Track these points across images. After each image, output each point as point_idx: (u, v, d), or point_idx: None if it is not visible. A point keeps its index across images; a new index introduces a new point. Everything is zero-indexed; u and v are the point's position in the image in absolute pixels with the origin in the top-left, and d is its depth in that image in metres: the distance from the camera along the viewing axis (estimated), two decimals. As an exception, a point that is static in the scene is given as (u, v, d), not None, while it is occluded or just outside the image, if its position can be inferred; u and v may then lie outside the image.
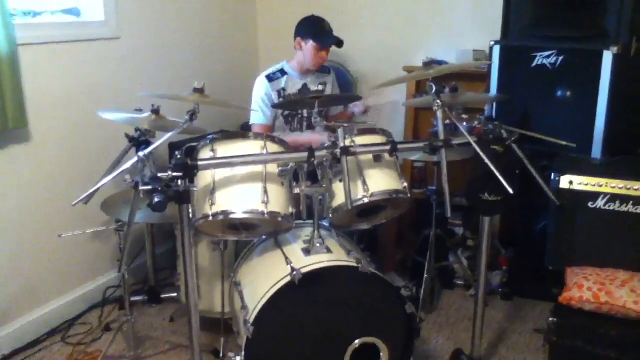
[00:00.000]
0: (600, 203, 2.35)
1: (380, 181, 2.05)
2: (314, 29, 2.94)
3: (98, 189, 1.90)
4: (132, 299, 2.66)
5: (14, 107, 2.39)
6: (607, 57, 2.42)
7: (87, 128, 2.82)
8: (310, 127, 3.05)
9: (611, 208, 2.33)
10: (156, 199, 1.65)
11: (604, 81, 2.46)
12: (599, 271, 2.25)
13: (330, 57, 3.64)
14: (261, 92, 2.99)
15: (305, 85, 3.05)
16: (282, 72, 3.04)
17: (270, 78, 3.01)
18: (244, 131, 3.15)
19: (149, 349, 2.62)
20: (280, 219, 2.00)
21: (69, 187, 2.73)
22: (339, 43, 2.98)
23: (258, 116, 2.99)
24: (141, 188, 1.67)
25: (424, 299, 2.86)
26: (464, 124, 2.30)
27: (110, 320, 2.82)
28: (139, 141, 2.31)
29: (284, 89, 3.01)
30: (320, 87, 3.09)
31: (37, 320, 2.70)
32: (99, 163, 2.61)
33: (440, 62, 3.09)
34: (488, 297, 2.75)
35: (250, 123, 3.03)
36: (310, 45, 2.93)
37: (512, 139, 2.07)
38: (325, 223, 2.19)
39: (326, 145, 1.98)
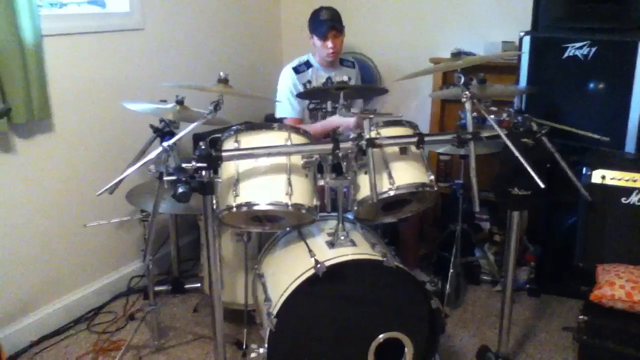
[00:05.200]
0: (634, 199, 2.27)
1: (406, 174, 2.01)
2: (312, 22, 2.91)
3: (123, 179, 1.90)
4: (156, 288, 2.68)
5: (39, 97, 2.41)
6: (643, 48, 2.35)
7: (112, 118, 2.84)
8: None
9: (646, 204, 2.26)
10: (180, 190, 1.65)
11: (638, 73, 2.38)
12: (632, 269, 2.18)
13: (355, 48, 3.62)
14: (289, 84, 2.97)
15: (329, 79, 3.02)
16: (308, 65, 3.02)
17: (297, 70, 2.99)
18: (268, 122, 3.13)
19: (172, 339, 2.63)
20: (304, 211, 1.98)
21: (94, 177, 2.76)
22: (334, 26, 2.88)
23: (287, 109, 2.96)
24: (165, 178, 1.67)
25: (449, 295, 2.82)
26: (492, 116, 2.25)
27: (135, 309, 2.85)
28: (163, 132, 2.32)
29: (309, 82, 2.98)
30: (345, 78, 3.05)
31: (63, 308, 2.73)
32: (124, 153, 2.62)
33: (467, 54, 3.03)
34: (515, 294, 2.70)
35: (278, 116, 3.01)
36: (315, 39, 2.91)
37: (543, 131, 2.01)
38: (350, 216, 2.16)
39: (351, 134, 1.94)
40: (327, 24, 2.86)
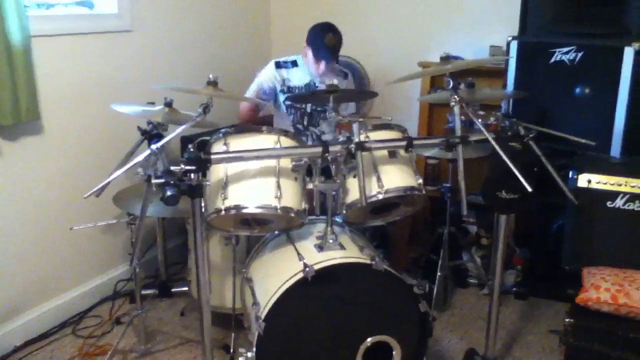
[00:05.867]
0: (619, 202, 2.30)
1: (395, 177, 2.01)
2: (315, 39, 2.86)
3: (110, 181, 1.88)
4: (143, 292, 2.66)
5: (27, 99, 2.38)
6: (629, 54, 2.38)
7: (100, 121, 2.81)
8: (313, 123, 3.03)
9: (630, 207, 2.28)
10: (169, 193, 1.64)
11: (624, 78, 2.42)
12: (617, 272, 2.20)
13: (343, 52, 3.61)
14: (264, 77, 2.99)
15: (311, 80, 3.01)
16: (294, 64, 3.02)
17: (279, 64, 2.99)
18: (257, 125, 3.13)
19: (160, 343, 2.61)
20: (293, 215, 1.97)
21: (81, 180, 2.73)
22: (334, 55, 2.89)
23: (252, 93, 3.00)
24: (154, 181, 1.66)
25: (436, 298, 2.83)
26: (479, 120, 2.26)
27: (121, 313, 2.82)
28: (151, 134, 2.31)
29: (288, 79, 2.98)
30: (336, 82, 3.05)
31: (49, 313, 2.70)
32: (111, 156, 2.60)
33: (456, 58, 3.04)
34: (502, 297, 2.70)
35: (246, 94, 3.03)
36: (309, 53, 2.89)
37: (531, 135, 2.02)
38: (338, 219, 2.16)
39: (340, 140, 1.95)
40: (328, 51, 2.83)
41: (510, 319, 2.81)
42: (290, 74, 2.99)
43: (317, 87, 2.98)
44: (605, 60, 2.48)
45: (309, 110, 3.01)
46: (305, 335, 1.95)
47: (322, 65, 2.86)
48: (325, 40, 2.83)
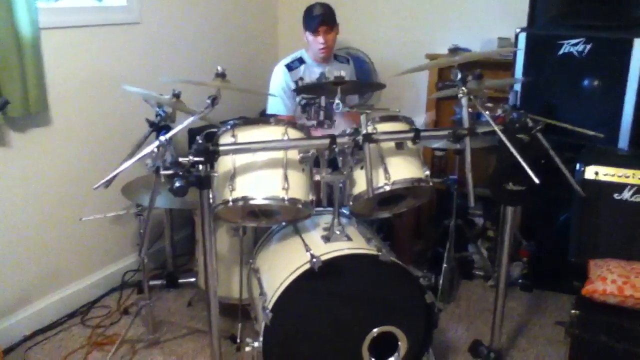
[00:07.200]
0: (626, 195, 2.29)
1: (402, 169, 2.02)
2: (305, 18, 2.92)
3: (119, 173, 1.89)
4: (151, 283, 2.68)
5: (35, 91, 2.40)
6: (638, 46, 2.36)
7: (108, 112, 2.83)
8: (328, 116, 3.03)
9: (638, 200, 2.28)
10: (177, 184, 1.65)
11: (633, 70, 2.40)
12: (624, 264, 2.20)
13: (351, 44, 3.62)
14: (282, 82, 2.97)
15: (322, 74, 3.02)
16: (301, 61, 3.02)
17: (290, 67, 2.99)
18: (264, 117, 3.14)
19: (167, 333, 2.64)
20: (300, 206, 1.98)
21: (90, 171, 2.75)
22: (325, 21, 2.88)
23: (279, 106, 2.97)
24: (162, 172, 1.67)
25: (442, 289, 2.84)
26: (487, 112, 2.26)
27: (129, 304, 2.85)
28: (159, 126, 2.31)
29: (302, 78, 2.99)
30: (343, 73, 3.06)
31: (57, 302, 2.73)
32: (120, 147, 2.61)
33: (463, 50, 3.03)
34: (507, 289, 2.71)
35: (270, 112, 3.02)
36: (307, 34, 2.91)
37: (538, 128, 2.02)
38: (345, 211, 2.17)
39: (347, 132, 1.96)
40: (318, 19, 2.87)
41: (516, 311, 2.82)
42: (303, 73, 3.00)
43: (327, 78, 2.99)
44: (614, 52, 2.46)
45: (323, 103, 3.01)
46: (312, 326, 1.97)
47: (321, 38, 2.87)
48: (314, 13, 2.88)
